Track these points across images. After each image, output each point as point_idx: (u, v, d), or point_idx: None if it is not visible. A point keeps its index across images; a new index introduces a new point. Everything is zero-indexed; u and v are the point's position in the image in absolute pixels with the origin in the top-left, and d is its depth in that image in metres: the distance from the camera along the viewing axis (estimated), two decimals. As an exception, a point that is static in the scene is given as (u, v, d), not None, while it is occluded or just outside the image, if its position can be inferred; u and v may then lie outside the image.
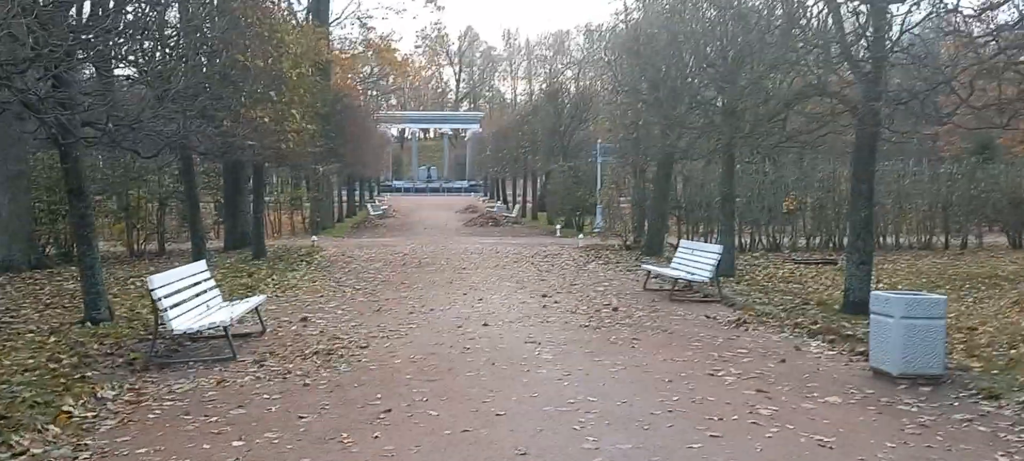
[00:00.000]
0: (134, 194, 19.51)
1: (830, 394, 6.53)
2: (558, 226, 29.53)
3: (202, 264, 9.14)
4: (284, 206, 27.65)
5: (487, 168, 58.15)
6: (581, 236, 24.50)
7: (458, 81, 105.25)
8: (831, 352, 8.27)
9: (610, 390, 6.62)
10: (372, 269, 16.81)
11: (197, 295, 8.61)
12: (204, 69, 12.22)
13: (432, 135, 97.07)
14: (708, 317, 10.73)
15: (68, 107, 8.63)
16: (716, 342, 8.89)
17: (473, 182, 74.45)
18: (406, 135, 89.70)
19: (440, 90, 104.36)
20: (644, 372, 7.33)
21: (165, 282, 7.78)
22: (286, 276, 15.08)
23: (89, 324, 9.16)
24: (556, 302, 11.78)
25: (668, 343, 8.80)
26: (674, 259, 13.94)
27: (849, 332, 8.87)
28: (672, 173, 20.62)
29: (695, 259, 13.07)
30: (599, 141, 28.62)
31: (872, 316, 7.27)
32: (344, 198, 39.04)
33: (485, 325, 9.70)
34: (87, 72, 10.93)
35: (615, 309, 11.14)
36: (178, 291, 8.09)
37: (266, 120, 13.03)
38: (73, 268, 16.60)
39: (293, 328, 9.54)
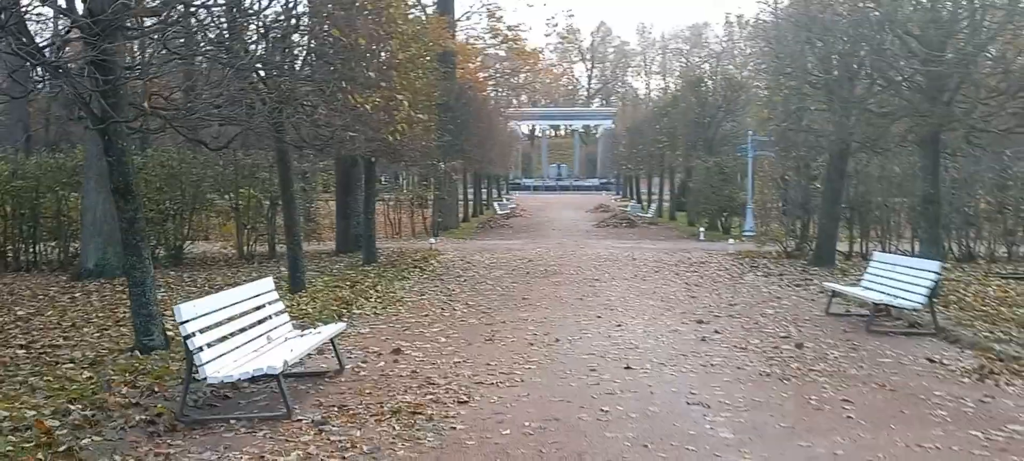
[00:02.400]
0: (244, 192, 18.41)
1: None
2: (701, 229, 26.47)
3: (269, 282, 7.23)
4: (405, 206, 26.15)
5: (620, 165, 55.29)
6: (731, 241, 21.46)
7: (590, 78, 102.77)
8: None
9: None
10: (491, 279, 14.69)
11: (256, 323, 6.68)
12: (293, 48, 10.51)
13: (563, 132, 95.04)
14: (932, 361, 7.80)
15: (108, 83, 6.96)
16: (965, 410, 6.06)
17: (604, 180, 71.77)
18: (536, 132, 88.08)
19: (571, 87, 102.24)
20: (886, 474, 4.67)
21: (201, 311, 5.84)
22: (393, 286, 13.21)
23: (138, 353, 7.47)
24: (717, 333, 9.13)
25: (896, 411, 6.04)
26: (866, 276, 10.90)
27: None
28: (846, 169, 17.25)
29: (899, 278, 10.02)
30: (751, 133, 25.34)
31: None
32: (470, 197, 37.48)
33: (627, 369, 7.24)
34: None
35: (800, 346, 8.38)
36: (222, 322, 6.16)
37: (368, 108, 11.13)
38: (174, 273, 15.52)
39: (380, 364, 7.46)
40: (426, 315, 10.46)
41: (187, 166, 18.21)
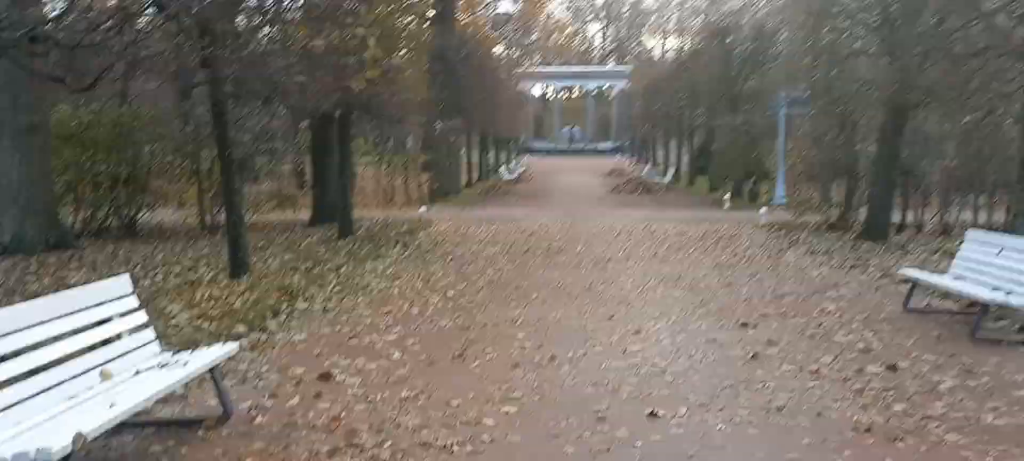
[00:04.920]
0: (207, 154, 16.06)
1: None
2: (726, 196, 23.92)
3: (122, 283, 4.88)
4: (398, 170, 23.70)
5: (636, 127, 52.53)
6: (763, 210, 18.94)
7: (604, 37, 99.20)
8: None
9: None
10: (482, 259, 12.33)
11: (86, 350, 4.36)
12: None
13: (576, 94, 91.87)
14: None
15: None
16: None
17: (619, 143, 68.98)
18: (548, 95, 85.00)
19: (585, 48, 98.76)
20: None
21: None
22: (362, 268, 10.89)
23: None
24: (772, 344, 6.72)
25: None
26: (957, 261, 8.44)
27: None
28: (904, 126, 14.64)
29: (1007, 265, 7.56)
30: (783, 91, 22.64)
31: None
32: (475, 160, 34.97)
33: (652, 417, 4.86)
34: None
35: (892, 368, 5.98)
36: (16, 353, 3.85)
37: (320, 44, 8.73)
38: (117, 248, 13.26)
39: (292, 402, 5.13)
40: (389, 311, 8.12)
41: (141, 124, 15.91)
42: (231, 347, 4.90)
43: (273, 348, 6.52)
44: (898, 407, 5.03)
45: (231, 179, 9.69)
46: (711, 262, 12.00)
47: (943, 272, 10.41)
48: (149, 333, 4.87)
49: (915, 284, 8.54)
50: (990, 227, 15.94)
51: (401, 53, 13.05)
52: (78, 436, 3.39)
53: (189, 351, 4.88)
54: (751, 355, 6.28)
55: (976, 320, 7.21)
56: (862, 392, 5.34)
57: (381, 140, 22.25)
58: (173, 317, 7.22)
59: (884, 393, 5.32)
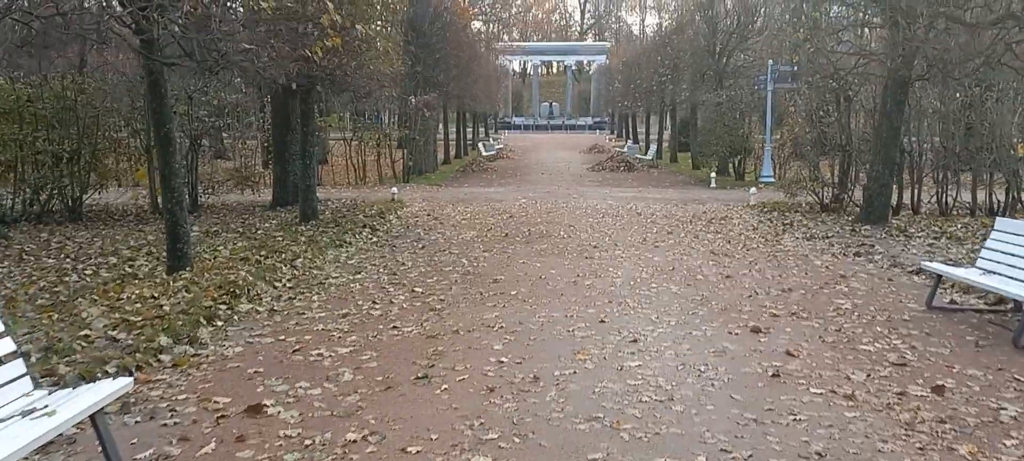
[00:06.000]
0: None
1: None
2: (712, 174, 22.99)
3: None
4: (370, 146, 22.47)
5: (615, 103, 51.50)
6: (753, 191, 17.99)
7: (583, 13, 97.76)
8: None
9: None
10: (457, 245, 11.27)
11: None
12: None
13: (555, 70, 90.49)
14: None
15: None
16: None
17: (598, 119, 68.06)
18: (527, 70, 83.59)
19: (563, 23, 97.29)
20: None
21: None
22: (322, 257, 9.80)
23: None
24: (790, 357, 5.74)
25: None
26: (984, 252, 7.51)
27: None
28: (905, 101, 13.70)
29: (1049, 260, 6.65)
30: (771, 62, 21.68)
31: None
32: (452, 137, 33.77)
33: (664, 466, 3.87)
34: None
35: (938, 390, 5.03)
36: None
37: (265, 7, 7.56)
38: (56, 234, 12.01)
39: (207, 450, 4.05)
40: (346, 314, 7.04)
41: (87, 97, 14.59)
42: (122, 384, 3.80)
43: (199, 367, 5.43)
44: (963, 450, 4.07)
45: (170, 159, 8.51)
46: (705, 249, 11.04)
47: (957, 261, 9.58)
48: (16, 367, 3.77)
49: (940, 279, 7.61)
50: (990, 209, 15.16)
51: (367, 21, 11.85)
52: None
53: (70, 390, 3.79)
54: (771, 373, 5.30)
55: (1020, 326, 6.27)
56: (913, 427, 4.37)
57: (355, 115, 21.01)
58: (86, 326, 6.09)
59: (940, 428, 4.36)
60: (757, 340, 6.18)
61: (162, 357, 5.63)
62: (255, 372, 5.31)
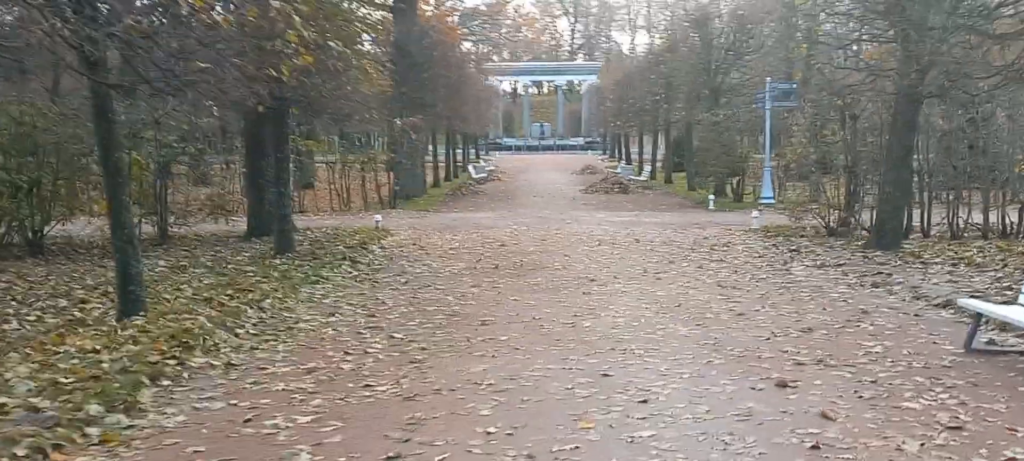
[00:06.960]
0: (126, 158, 13.89)
1: None
2: (710, 196, 22.25)
3: None
4: (354, 170, 21.64)
5: (607, 123, 50.92)
6: (755, 213, 17.22)
7: (573, 33, 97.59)
8: None
9: None
10: (442, 279, 10.43)
11: None
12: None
13: (545, 90, 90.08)
14: None
15: None
16: None
17: (590, 139, 67.47)
18: (518, 90, 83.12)
19: (554, 43, 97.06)
20: None
21: None
22: (295, 296, 8.94)
23: None
24: (826, 420, 4.89)
25: None
26: (1030, 288, 6.73)
27: None
28: (917, 120, 12.99)
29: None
30: (769, 79, 21.03)
31: None
32: (441, 159, 32.99)
33: None
34: None
35: (1010, 464, 4.21)
36: None
37: (221, 22, 6.77)
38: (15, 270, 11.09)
39: None
40: (313, 369, 6.17)
41: (49, 122, 13.71)
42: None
43: (131, 443, 4.57)
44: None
45: (119, 191, 7.66)
46: (711, 280, 10.24)
47: (984, 292, 8.81)
48: None
49: (980, 319, 6.82)
50: (1003, 231, 14.44)
51: (346, 39, 11.07)
52: None
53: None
54: (809, 445, 4.46)
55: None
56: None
57: (342, 139, 20.24)
58: (7, 391, 5.21)
59: (1028, 522, 3.54)
60: (785, 398, 5.35)
61: (89, 430, 4.75)
62: (194, 452, 4.44)
